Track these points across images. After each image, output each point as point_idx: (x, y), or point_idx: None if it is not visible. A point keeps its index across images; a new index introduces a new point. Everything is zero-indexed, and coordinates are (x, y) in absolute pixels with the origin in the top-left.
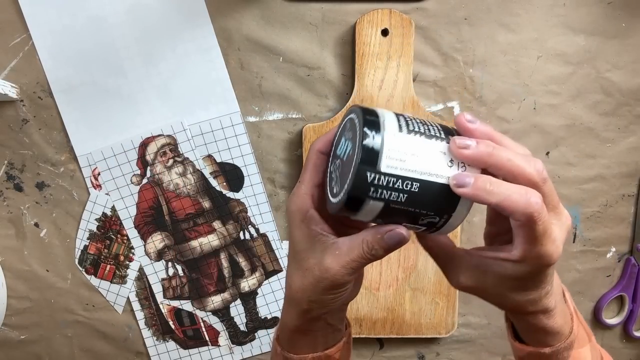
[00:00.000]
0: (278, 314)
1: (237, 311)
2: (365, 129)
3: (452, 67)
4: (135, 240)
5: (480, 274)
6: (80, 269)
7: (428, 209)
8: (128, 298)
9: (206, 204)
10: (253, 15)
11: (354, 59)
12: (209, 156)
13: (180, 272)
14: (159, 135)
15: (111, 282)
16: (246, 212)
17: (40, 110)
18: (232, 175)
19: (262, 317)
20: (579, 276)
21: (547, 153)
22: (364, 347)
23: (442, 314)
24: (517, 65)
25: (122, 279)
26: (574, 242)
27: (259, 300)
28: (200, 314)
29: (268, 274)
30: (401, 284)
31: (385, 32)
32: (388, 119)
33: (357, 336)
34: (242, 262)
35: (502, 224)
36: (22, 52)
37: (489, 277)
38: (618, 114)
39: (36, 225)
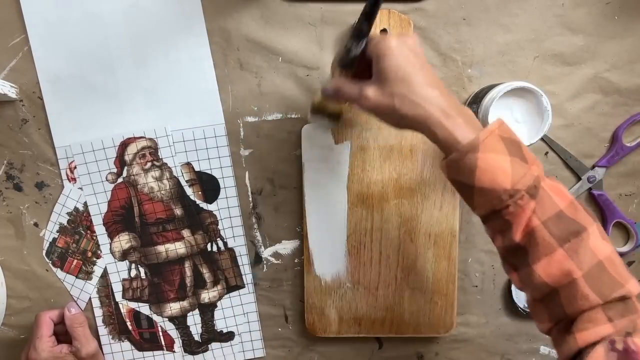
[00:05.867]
0: (234, 329)
1: (194, 321)
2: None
3: (451, 67)
4: (102, 238)
5: (375, 89)
6: (47, 260)
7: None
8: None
9: (178, 211)
10: (252, 15)
11: None
12: (188, 164)
13: (143, 275)
14: (140, 137)
15: (76, 277)
16: (216, 225)
17: (40, 110)
18: (208, 186)
19: (218, 330)
20: None
21: (546, 153)
22: (363, 346)
23: (440, 313)
24: (514, 65)
25: (88, 275)
26: None
27: (217, 314)
28: (156, 318)
29: (230, 289)
30: (400, 284)
31: (384, 32)
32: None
33: (356, 335)
34: (206, 274)
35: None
36: (22, 52)
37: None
38: (616, 114)
39: (35, 225)
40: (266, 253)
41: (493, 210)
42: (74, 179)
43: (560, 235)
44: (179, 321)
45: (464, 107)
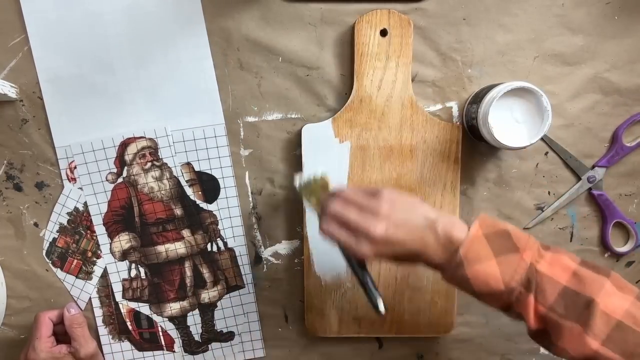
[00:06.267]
0: (234, 329)
1: (194, 321)
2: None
3: (451, 67)
4: (102, 238)
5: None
6: (47, 260)
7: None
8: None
9: (178, 211)
10: (252, 15)
11: (353, 59)
12: (188, 164)
13: (143, 275)
14: (140, 137)
15: (77, 277)
16: (217, 225)
17: (40, 110)
18: (208, 186)
19: (218, 330)
20: None
21: (546, 153)
22: (363, 346)
23: (440, 313)
24: (514, 65)
25: (88, 275)
26: (571, 241)
27: (217, 313)
28: (156, 318)
29: (230, 289)
30: (400, 284)
31: (384, 32)
32: None
33: (356, 335)
34: (206, 273)
35: None
36: (22, 52)
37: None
38: (616, 114)
39: (35, 225)
40: (266, 253)
41: (503, 307)
42: (74, 179)
43: (569, 313)
44: (179, 321)
45: (441, 218)
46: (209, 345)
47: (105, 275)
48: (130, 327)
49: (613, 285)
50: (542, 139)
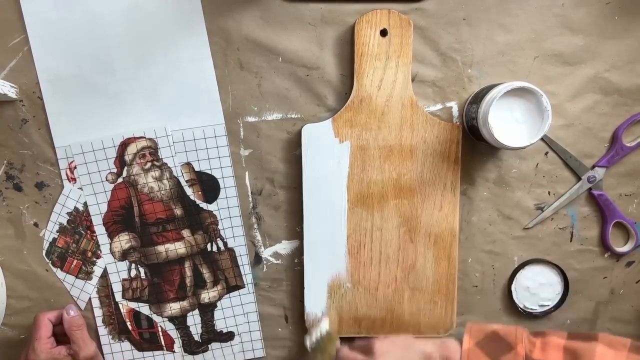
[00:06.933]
0: (234, 329)
1: (194, 321)
2: None
3: (451, 67)
4: (102, 238)
5: None
6: (47, 260)
7: None
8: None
9: (178, 211)
10: (252, 15)
11: (353, 59)
12: (188, 164)
13: (143, 275)
14: (140, 137)
15: (76, 277)
16: (216, 225)
17: (40, 110)
18: (208, 186)
19: (218, 330)
20: (576, 275)
21: (546, 153)
22: None
23: (440, 313)
24: (514, 65)
25: (88, 275)
26: (571, 241)
27: (217, 314)
28: (156, 318)
29: (230, 289)
30: (400, 284)
31: (384, 33)
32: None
33: (356, 336)
34: (206, 274)
35: None
36: (22, 52)
37: None
38: (616, 114)
39: (35, 225)
40: (266, 253)
41: None
42: (74, 179)
43: None
44: (179, 321)
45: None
46: (209, 345)
47: (105, 275)
48: (130, 327)
49: (604, 346)
50: (542, 139)
